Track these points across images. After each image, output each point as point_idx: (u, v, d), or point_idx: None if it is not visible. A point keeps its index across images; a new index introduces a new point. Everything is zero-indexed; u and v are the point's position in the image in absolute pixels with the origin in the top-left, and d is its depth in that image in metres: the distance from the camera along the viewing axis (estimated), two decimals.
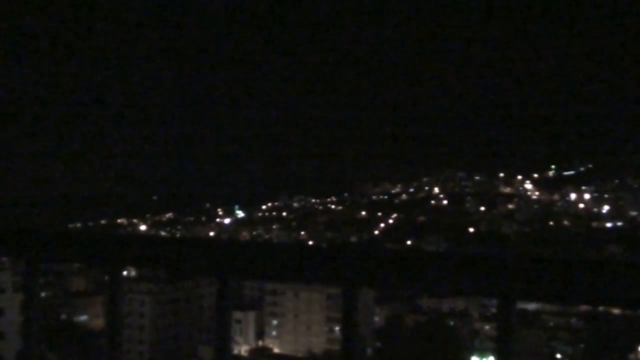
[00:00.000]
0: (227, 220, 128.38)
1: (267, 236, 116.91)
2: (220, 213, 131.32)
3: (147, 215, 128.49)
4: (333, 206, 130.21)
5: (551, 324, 64.03)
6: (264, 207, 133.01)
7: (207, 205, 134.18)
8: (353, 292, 2.42)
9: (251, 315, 67.76)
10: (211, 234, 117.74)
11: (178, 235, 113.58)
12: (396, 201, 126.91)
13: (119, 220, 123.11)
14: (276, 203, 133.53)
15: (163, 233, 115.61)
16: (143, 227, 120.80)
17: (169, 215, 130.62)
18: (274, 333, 69.43)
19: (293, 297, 68.22)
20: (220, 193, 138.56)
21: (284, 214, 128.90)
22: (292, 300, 68.41)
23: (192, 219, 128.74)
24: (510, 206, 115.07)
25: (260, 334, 69.15)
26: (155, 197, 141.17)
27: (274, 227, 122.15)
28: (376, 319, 66.06)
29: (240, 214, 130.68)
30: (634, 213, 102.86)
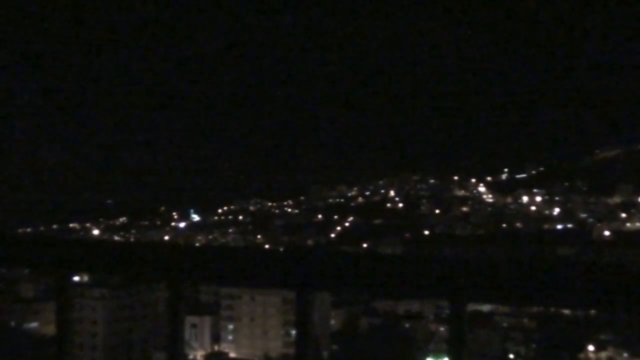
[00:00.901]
0: (182, 224, 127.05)
1: (223, 240, 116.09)
2: (175, 217, 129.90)
3: (101, 220, 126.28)
4: (290, 209, 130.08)
5: (504, 324, 65.03)
6: (219, 210, 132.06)
7: (162, 208, 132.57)
8: (307, 296, 2.41)
9: (207, 320, 67.09)
10: (166, 238, 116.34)
11: (132, 239, 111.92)
12: (352, 204, 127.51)
13: (71, 225, 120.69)
14: (232, 207, 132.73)
15: (116, 238, 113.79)
16: (96, 232, 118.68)
17: (123, 219, 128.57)
18: (230, 337, 68.90)
19: (249, 301, 67.82)
20: (176, 196, 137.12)
21: (240, 217, 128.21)
22: (248, 304, 68.01)
23: (146, 223, 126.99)
24: (465, 209, 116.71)
25: (216, 339, 68.53)
26: (109, 201, 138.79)
27: (230, 230, 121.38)
28: (332, 322, 66.13)
29: (195, 217, 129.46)
30: (583, 215, 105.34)
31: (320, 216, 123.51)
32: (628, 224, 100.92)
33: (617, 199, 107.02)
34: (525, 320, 64.72)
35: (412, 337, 63.61)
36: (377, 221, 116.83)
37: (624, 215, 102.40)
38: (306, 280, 2.59)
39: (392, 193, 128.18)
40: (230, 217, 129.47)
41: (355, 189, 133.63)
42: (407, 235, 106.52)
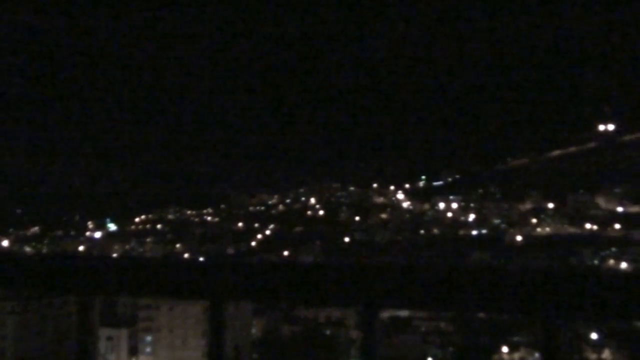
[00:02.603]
0: (97, 234, 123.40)
1: (140, 250, 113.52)
2: (91, 226, 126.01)
3: (10, 230, 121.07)
4: (209, 218, 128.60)
5: (423, 328, 66.48)
6: (137, 219, 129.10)
7: (77, 218, 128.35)
8: (220, 306, 2.38)
9: (124, 332, 65.48)
10: (81, 248, 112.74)
11: (44, 251, 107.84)
12: (273, 212, 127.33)
13: None
14: (150, 215, 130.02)
15: (27, 249, 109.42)
16: (5, 243, 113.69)
17: (35, 229, 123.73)
18: (148, 349, 67.45)
19: (168, 311, 66.63)
20: (91, 205, 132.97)
21: (159, 226, 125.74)
22: (167, 315, 66.79)
23: (60, 233, 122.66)
24: (384, 215, 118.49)
25: (133, 351, 66.96)
26: (19, 211, 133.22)
27: (148, 240, 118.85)
28: (253, 330, 65.86)
29: (112, 227, 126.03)
30: (496, 221, 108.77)
31: (240, 224, 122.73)
32: (538, 229, 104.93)
33: (528, 205, 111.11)
34: (443, 324, 66.34)
35: (334, 343, 64.11)
36: (297, 229, 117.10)
37: (534, 220, 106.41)
38: (219, 291, 2.57)
39: (312, 201, 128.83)
40: (148, 226, 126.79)
41: (275, 196, 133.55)
42: (328, 242, 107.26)
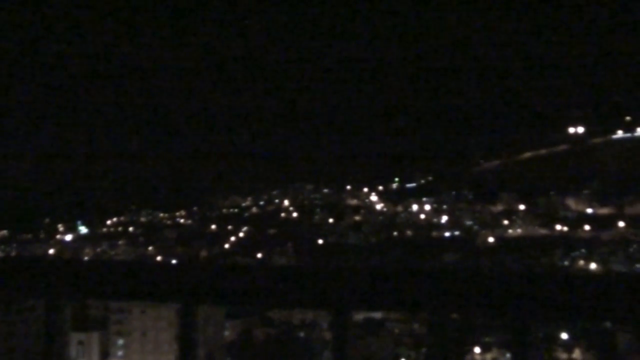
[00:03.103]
0: (68, 237, 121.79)
1: (112, 253, 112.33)
2: (61, 229, 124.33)
3: None
4: (182, 220, 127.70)
5: (396, 330, 66.72)
6: (109, 222, 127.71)
7: (47, 220, 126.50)
8: (191, 309, 2.36)
9: (95, 336, 64.67)
10: (51, 252, 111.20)
11: (13, 254, 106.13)
12: (246, 214, 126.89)
13: None
14: (122, 218, 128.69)
15: None
16: None
17: (3, 232, 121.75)
18: (119, 353, 66.73)
19: (140, 314, 66.00)
20: (61, 208, 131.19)
21: (131, 229, 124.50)
22: (139, 318, 66.15)
23: (29, 236, 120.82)
24: (357, 218, 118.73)
25: (105, 355, 66.19)
26: None
27: (120, 242, 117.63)
28: (227, 333, 65.50)
29: (83, 229, 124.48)
30: (469, 222, 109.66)
31: (213, 227, 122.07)
32: (510, 231, 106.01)
33: (500, 207, 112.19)
34: (416, 326, 66.65)
35: (308, 346, 64.06)
36: (271, 231, 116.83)
37: (506, 222, 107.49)
38: (190, 294, 2.54)
39: (286, 203, 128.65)
40: (120, 228, 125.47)
41: (249, 199, 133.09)
42: (301, 245, 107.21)
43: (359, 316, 61.04)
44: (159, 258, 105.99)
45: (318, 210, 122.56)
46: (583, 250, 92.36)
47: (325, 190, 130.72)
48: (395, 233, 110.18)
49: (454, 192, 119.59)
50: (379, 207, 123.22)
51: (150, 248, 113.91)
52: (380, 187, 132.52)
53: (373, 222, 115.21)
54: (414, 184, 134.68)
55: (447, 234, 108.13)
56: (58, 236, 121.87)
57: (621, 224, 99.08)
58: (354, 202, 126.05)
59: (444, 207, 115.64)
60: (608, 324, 55.13)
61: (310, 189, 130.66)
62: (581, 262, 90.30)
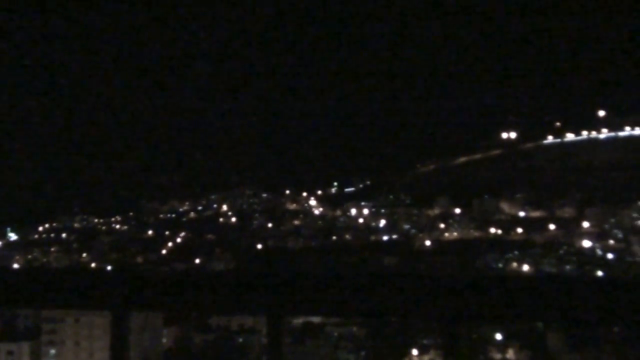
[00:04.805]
0: None
1: (44, 260, 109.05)
2: None
3: None
4: (118, 226, 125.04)
5: (335, 334, 67.03)
6: (40, 228, 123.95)
7: None
8: (123, 317, 2.29)
9: (25, 346, 62.59)
10: None
11: None
12: (184, 219, 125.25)
13: None
14: (55, 224, 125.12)
15: None
16: None
17: None
18: None
19: (73, 323, 64.23)
20: None
21: (64, 235, 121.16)
22: (72, 327, 64.37)
23: None
24: (296, 222, 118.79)
25: None
26: None
27: (53, 249, 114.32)
28: (164, 340, 64.48)
29: (12, 236, 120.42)
30: (406, 226, 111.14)
31: (150, 232, 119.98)
32: (446, 234, 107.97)
33: (436, 210, 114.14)
34: (355, 329, 67.11)
35: (246, 351, 63.69)
36: (209, 236, 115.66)
37: (442, 225, 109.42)
38: (122, 302, 2.47)
39: (225, 207, 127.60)
40: (52, 235, 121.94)
41: (187, 203, 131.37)
42: (240, 250, 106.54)
43: (298, 320, 61.10)
44: (93, 265, 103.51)
45: (257, 215, 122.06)
46: (516, 252, 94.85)
47: (265, 195, 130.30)
48: (334, 237, 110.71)
49: (391, 196, 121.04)
50: (318, 211, 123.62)
51: (84, 255, 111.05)
52: (319, 192, 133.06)
53: (312, 226, 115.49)
54: (352, 189, 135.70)
55: (385, 238, 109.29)
56: None
57: (552, 226, 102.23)
58: (293, 206, 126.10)
59: (382, 211, 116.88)
60: (540, 325, 56.76)
61: (249, 194, 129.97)
62: (514, 264, 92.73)
